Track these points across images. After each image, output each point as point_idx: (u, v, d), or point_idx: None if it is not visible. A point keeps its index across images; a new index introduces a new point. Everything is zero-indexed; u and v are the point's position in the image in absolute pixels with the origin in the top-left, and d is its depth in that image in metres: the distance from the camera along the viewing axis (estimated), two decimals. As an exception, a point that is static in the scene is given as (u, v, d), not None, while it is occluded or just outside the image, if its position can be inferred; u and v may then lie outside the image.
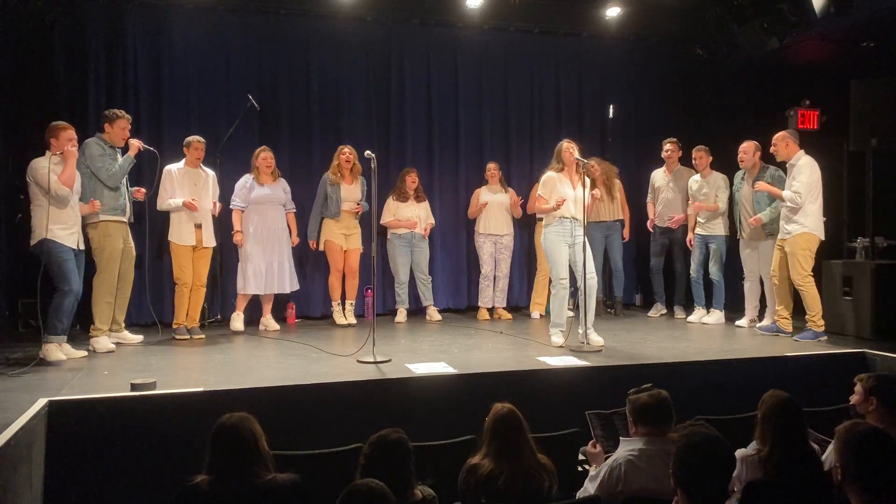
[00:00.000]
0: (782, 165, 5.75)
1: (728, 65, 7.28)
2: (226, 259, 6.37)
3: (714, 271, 6.42)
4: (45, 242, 4.60)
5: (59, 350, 4.67)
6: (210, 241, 5.75)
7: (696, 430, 2.33)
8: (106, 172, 5.08)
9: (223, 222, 6.15)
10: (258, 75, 6.73)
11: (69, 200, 4.72)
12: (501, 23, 7.29)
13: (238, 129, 6.31)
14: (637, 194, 7.38)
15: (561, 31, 7.56)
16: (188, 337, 5.59)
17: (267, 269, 6.07)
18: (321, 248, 6.45)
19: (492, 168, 6.97)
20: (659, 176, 7.01)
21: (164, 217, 5.74)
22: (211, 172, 5.85)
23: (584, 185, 5.22)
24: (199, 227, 5.65)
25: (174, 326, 5.66)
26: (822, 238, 5.51)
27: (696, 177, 6.60)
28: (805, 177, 5.43)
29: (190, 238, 5.61)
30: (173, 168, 5.67)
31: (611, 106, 7.47)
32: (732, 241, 6.42)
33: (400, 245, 6.73)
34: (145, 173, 5.86)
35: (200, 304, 5.82)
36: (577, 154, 5.26)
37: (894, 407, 2.94)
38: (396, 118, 7.19)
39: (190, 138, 5.74)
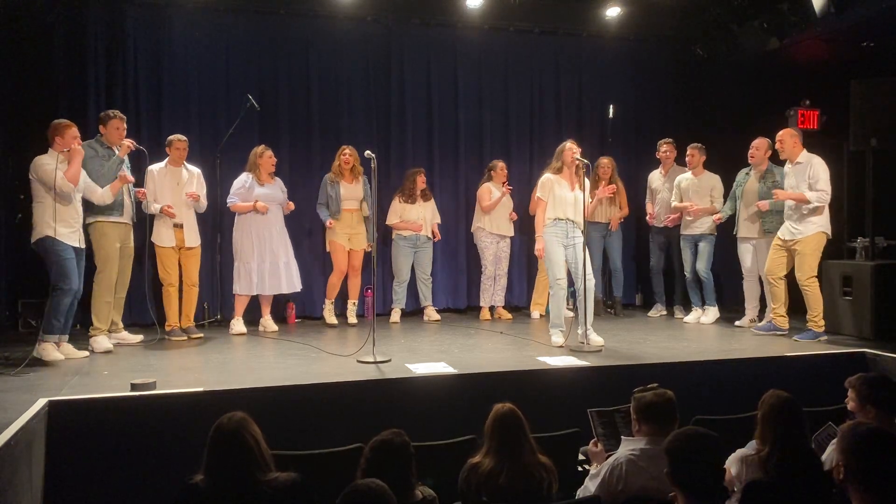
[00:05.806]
0: (781, 163, 5.78)
1: (728, 65, 7.28)
2: (225, 258, 6.35)
3: (702, 269, 6.40)
4: (46, 240, 4.62)
5: (55, 350, 4.66)
6: (194, 240, 5.68)
7: (685, 429, 2.35)
8: (95, 174, 5.09)
9: (221, 220, 6.11)
10: (258, 75, 6.72)
11: (73, 197, 4.76)
12: (501, 23, 7.28)
13: (238, 129, 6.30)
14: (636, 194, 7.39)
15: (561, 31, 7.55)
16: (184, 337, 5.58)
17: (270, 269, 5.98)
18: (328, 242, 6.38)
19: (504, 167, 6.90)
20: (655, 177, 7.02)
21: (152, 218, 5.67)
22: (196, 170, 5.78)
23: (582, 188, 5.22)
24: (179, 227, 5.60)
25: (167, 329, 5.61)
26: (830, 236, 5.54)
27: (687, 174, 6.58)
28: (825, 174, 5.44)
29: (170, 239, 5.58)
30: (154, 168, 5.61)
31: (611, 106, 7.46)
32: (720, 239, 6.42)
33: (404, 246, 6.71)
34: (135, 173, 5.80)
35: (195, 304, 5.78)
36: (577, 155, 5.26)
37: (893, 410, 2.93)
38: (396, 118, 7.17)
39: (171, 137, 5.68)
